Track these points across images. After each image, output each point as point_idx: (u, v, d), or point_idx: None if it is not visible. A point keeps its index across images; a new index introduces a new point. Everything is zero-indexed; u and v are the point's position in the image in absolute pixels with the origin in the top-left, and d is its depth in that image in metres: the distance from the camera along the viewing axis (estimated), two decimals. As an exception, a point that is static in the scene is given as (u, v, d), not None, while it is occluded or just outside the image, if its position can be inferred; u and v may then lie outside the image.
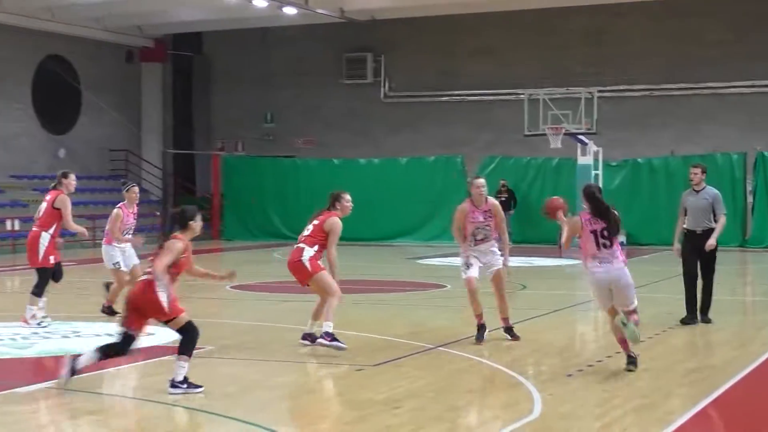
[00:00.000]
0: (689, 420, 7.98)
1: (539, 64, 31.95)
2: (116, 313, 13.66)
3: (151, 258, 8.87)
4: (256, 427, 7.77)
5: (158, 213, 33.07)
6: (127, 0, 30.26)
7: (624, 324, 9.73)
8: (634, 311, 9.96)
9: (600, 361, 10.49)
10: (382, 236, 31.07)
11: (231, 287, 16.83)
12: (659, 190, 29.37)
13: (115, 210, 13.74)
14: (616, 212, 9.96)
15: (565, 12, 31.36)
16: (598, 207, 9.88)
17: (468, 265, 11.40)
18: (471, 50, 33.04)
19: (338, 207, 11.05)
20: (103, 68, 33.87)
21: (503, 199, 29.68)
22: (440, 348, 11.23)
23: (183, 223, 8.98)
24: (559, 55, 31.93)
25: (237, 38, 35.20)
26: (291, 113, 35.30)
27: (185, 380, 8.70)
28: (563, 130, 27.81)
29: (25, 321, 12.62)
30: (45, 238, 12.78)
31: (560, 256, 24.67)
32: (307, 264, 10.73)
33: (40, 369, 10.53)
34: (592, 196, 9.95)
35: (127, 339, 8.87)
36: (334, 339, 10.59)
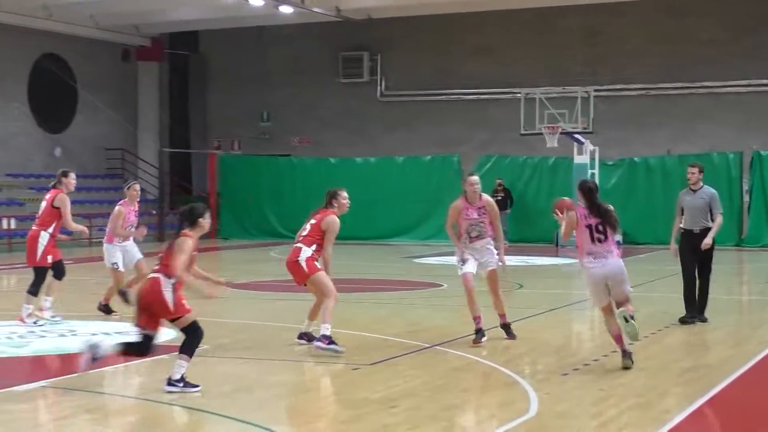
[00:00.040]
0: (685, 419, 7.99)
1: (535, 63, 31.96)
2: (112, 311, 13.67)
3: (161, 256, 8.85)
4: (253, 426, 7.77)
5: (154, 212, 33.06)
6: (124, -2, 30.32)
7: (627, 320, 9.84)
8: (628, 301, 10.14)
9: (596, 360, 10.50)
10: (379, 235, 31.09)
11: (227, 286, 16.81)
12: (655, 190, 29.41)
13: (117, 207, 13.76)
14: (610, 208, 10.13)
15: (562, 11, 31.37)
16: (593, 202, 10.04)
17: (463, 261, 11.33)
18: (467, 49, 33.05)
19: (335, 205, 10.98)
20: (99, 67, 33.84)
21: (499, 198, 29.70)
22: (436, 347, 11.23)
23: (192, 221, 8.94)
24: (555, 54, 31.95)
25: (233, 37, 35.18)
26: (287, 112, 35.30)
27: (182, 379, 8.70)
28: (560, 130, 27.83)
29: (21, 320, 12.61)
30: (44, 238, 12.78)
31: (557, 255, 24.68)
32: (304, 265, 10.69)
33: (36, 368, 10.52)
34: (588, 191, 10.12)
35: (147, 339, 8.83)
36: (332, 342, 10.52)
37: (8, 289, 19.53)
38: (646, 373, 9.80)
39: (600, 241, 9.97)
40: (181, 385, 8.68)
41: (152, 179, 34.98)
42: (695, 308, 13.05)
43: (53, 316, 12.94)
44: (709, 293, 13.23)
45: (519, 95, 29.19)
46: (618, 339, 10.07)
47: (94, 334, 12.06)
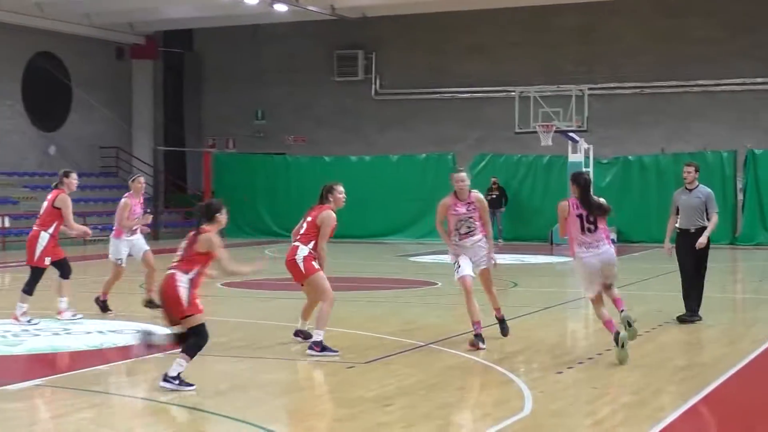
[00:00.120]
0: (679, 417, 8.00)
1: (530, 62, 31.98)
2: (109, 309, 13.62)
3: (182, 252, 8.84)
4: (248, 424, 7.77)
5: (149, 210, 33.00)
6: (118, -3, 30.30)
7: (629, 325, 10.16)
8: (620, 298, 10.49)
9: (591, 358, 10.51)
10: (374, 233, 31.09)
11: (222, 284, 16.82)
12: (650, 188, 29.45)
13: (123, 200, 13.81)
14: (603, 201, 10.41)
15: (556, 9, 31.39)
16: (586, 195, 10.32)
17: (459, 264, 11.08)
18: (462, 48, 33.06)
19: (331, 199, 10.89)
20: (93, 65, 33.80)
21: (494, 196, 29.74)
22: (431, 345, 11.23)
23: (210, 217, 9.00)
24: (550, 53, 31.97)
25: (228, 35, 35.16)
26: (282, 110, 35.30)
27: (178, 377, 8.70)
28: (554, 128, 27.86)
29: (16, 318, 12.60)
30: (44, 238, 12.75)
31: (551, 254, 24.71)
32: (301, 265, 10.61)
33: (30, 366, 10.51)
34: (582, 184, 10.40)
35: (197, 332, 8.85)
36: (324, 348, 10.45)
37: (2, 287, 19.50)
38: (641, 371, 9.82)
39: (590, 231, 10.26)
40: (177, 383, 8.68)
41: (147, 177, 34.80)
42: (695, 308, 13.02)
43: (74, 315, 12.93)
44: (704, 292, 13.23)
45: (513, 94, 29.21)
46: (609, 324, 10.30)
47: (88, 333, 12.09)
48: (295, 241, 10.83)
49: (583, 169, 27.98)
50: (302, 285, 10.89)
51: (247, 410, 8.22)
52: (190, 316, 8.75)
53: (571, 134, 28.26)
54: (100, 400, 8.66)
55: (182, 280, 8.75)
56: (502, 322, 11.53)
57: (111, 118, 34.28)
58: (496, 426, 7.63)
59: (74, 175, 13.16)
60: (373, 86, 34.26)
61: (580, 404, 8.53)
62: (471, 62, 32.84)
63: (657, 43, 31.04)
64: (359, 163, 32.37)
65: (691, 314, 12.95)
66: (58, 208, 12.78)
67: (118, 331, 12.22)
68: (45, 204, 13.01)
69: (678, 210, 12.98)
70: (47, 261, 12.81)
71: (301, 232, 10.82)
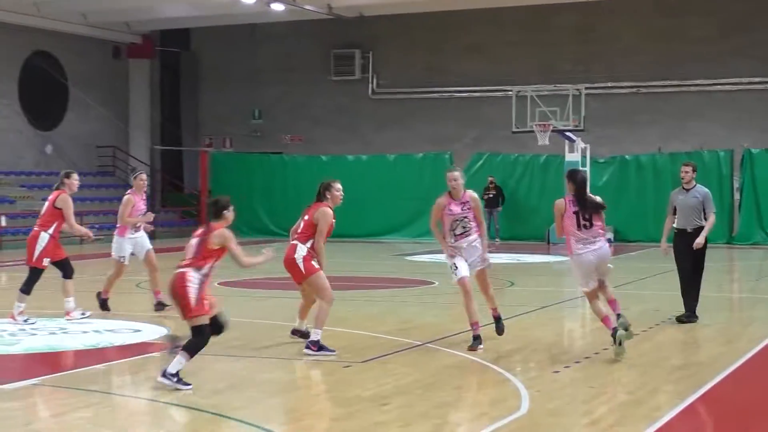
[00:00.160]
0: (676, 416, 8.01)
1: (527, 61, 31.99)
2: (108, 308, 13.57)
3: (195, 249, 8.93)
4: (245, 423, 7.77)
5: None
6: (115, -4, 30.28)
7: (625, 329, 10.36)
8: (615, 299, 10.71)
9: (587, 357, 10.52)
10: (371, 233, 31.10)
11: (218, 284, 16.81)
12: (646, 187, 29.48)
13: (126, 196, 13.80)
14: (598, 200, 10.59)
15: (554, 9, 31.41)
16: (582, 194, 10.48)
17: (456, 266, 10.90)
18: (459, 47, 33.06)
19: (328, 197, 10.78)
20: (90, 64, 33.78)
21: (491, 195, 29.76)
22: (428, 345, 11.23)
23: (217, 213, 9.13)
24: (547, 52, 31.98)
25: (225, 35, 35.15)
26: (279, 110, 35.29)
27: (177, 374, 8.71)
28: (551, 127, 27.86)
29: (13, 317, 12.59)
30: (43, 239, 12.73)
31: (548, 253, 24.72)
32: (301, 264, 10.55)
33: (27, 365, 10.50)
34: (579, 182, 10.56)
35: (216, 327, 8.99)
36: (321, 348, 10.43)
37: (-1, 286, 19.46)
38: (638, 370, 9.83)
39: (585, 227, 10.47)
40: (175, 380, 8.69)
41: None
42: (694, 307, 13.00)
43: (82, 314, 12.89)
44: (700, 291, 13.23)
45: (510, 93, 29.22)
46: (607, 321, 10.45)
47: (85, 332, 12.08)
48: (293, 240, 10.78)
49: (580, 168, 28.07)
50: (299, 284, 10.85)
51: (244, 409, 8.22)
52: (195, 316, 8.81)
53: (568, 133, 28.28)
54: (97, 400, 8.66)
55: (193, 279, 8.82)
56: (497, 320, 11.37)
57: (108, 118, 34.26)
58: (492, 425, 7.63)
59: (75, 176, 13.15)
60: (370, 85, 34.26)
61: (576, 403, 8.54)
62: (468, 61, 32.84)
63: (654, 43, 31.06)
64: (356, 162, 32.37)
65: (690, 315, 12.93)
66: (59, 209, 12.77)
67: (115, 331, 12.21)
68: (46, 204, 13.00)
69: (675, 210, 12.95)
70: (45, 262, 12.79)
71: (299, 230, 10.79)
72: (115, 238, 13.83)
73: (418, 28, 33.37)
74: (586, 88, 28.88)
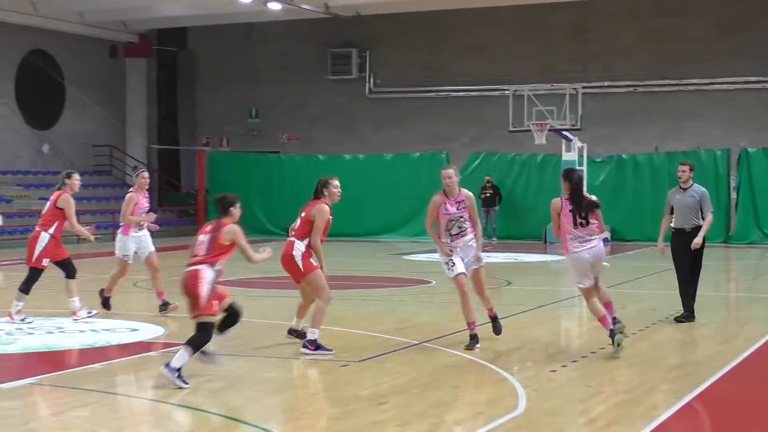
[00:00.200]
0: (673, 415, 8.02)
1: (524, 61, 32.00)
2: (110, 308, 13.52)
3: (207, 247, 9.07)
4: (242, 423, 7.77)
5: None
6: (112, -5, 30.26)
7: (621, 332, 10.50)
8: (611, 301, 10.84)
9: (584, 356, 10.52)
10: (368, 232, 31.10)
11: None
12: (643, 187, 29.50)
13: (129, 194, 13.71)
14: (593, 199, 10.69)
15: (551, 8, 31.42)
16: (578, 194, 10.58)
17: (451, 263, 10.83)
18: (456, 46, 33.07)
19: (326, 193, 10.69)
20: (86, 63, 33.76)
21: (488, 195, 29.78)
22: (425, 344, 11.24)
23: (225, 210, 9.30)
24: (544, 52, 31.99)
25: (222, 34, 35.14)
26: (276, 109, 35.28)
27: (179, 370, 8.76)
28: (548, 127, 27.88)
29: (10, 316, 12.58)
30: (44, 239, 12.70)
31: (545, 252, 24.74)
32: (299, 262, 10.48)
33: (24, 365, 10.50)
34: (575, 182, 10.66)
35: (232, 316, 9.25)
36: (318, 347, 10.42)
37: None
38: (634, 369, 9.84)
39: (582, 225, 10.59)
40: (176, 374, 8.73)
41: (140, 176, 34.88)
42: (692, 307, 12.99)
43: (89, 313, 12.85)
44: (697, 291, 13.23)
45: (507, 92, 29.23)
46: (605, 320, 10.54)
47: (82, 331, 12.07)
48: (289, 237, 10.72)
49: (577, 168, 28.08)
50: (298, 282, 10.82)
51: (241, 409, 8.22)
52: (203, 314, 8.97)
53: (565, 133, 28.29)
54: (94, 399, 8.66)
55: (207, 277, 8.97)
56: (494, 320, 11.31)
57: (105, 117, 34.25)
58: (490, 424, 7.63)
59: (76, 176, 13.14)
60: (367, 85, 34.26)
61: (573, 402, 8.54)
62: (465, 61, 32.85)
63: (651, 43, 31.08)
64: (353, 161, 32.36)
65: (688, 315, 12.92)
66: (61, 209, 12.75)
67: (112, 330, 12.21)
68: (47, 204, 13.00)
69: (672, 209, 12.93)
70: (45, 262, 12.74)
71: (295, 227, 10.76)
72: (119, 237, 13.73)
73: (415, 28, 33.37)
74: (583, 88, 28.90)
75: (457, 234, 10.88)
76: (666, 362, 10.31)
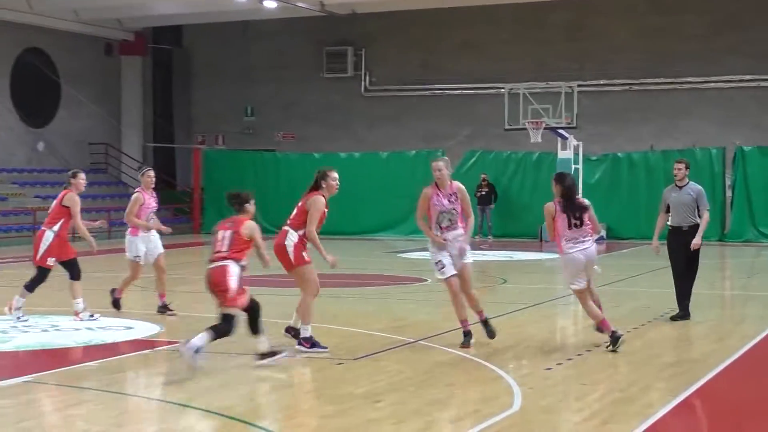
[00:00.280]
0: (668, 413, 8.03)
1: (520, 59, 32.02)
2: (119, 308, 13.45)
3: (229, 242, 9.38)
4: (236, 421, 7.76)
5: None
6: (107, -8, 30.23)
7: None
8: (600, 305, 10.92)
9: (580, 354, 10.53)
10: (363, 230, 31.09)
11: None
12: (639, 185, 29.52)
13: (135, 194, 13.56)
14: (585, 203, 10.72)
15: (547, 7, 31.44)
16: (571, 200, 10.63)
17: (441, 264, 10.76)
18: (452, 44, 33.08)
19: (324, 185, 10.63)
20: (82, 61, 33.72)
21: (484, 193, 29.78)
22: (421, 342, 11.24)
23: (240, 207, 9.66)
24: (539, 50, 32.01)
25: (217, 32, 35.12)
26: (271, 107, 35.27)
27: (200, 349, 9.05)
28: (543, 125, 27.88)
29: (9, 308, 12.54)
30: (48, 237, 12.65)
31: (540, 250, 24.74)
32: (291, 252, 10.40)
33: (19, 363, 10.48)
34: (569, 185, 10.72)
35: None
36: (314, 345, 10.40)
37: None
38: (630, 367, 9.85)
39: (576, 226, 10.64)
40: (193, 353, 9.01)
41: (136, 174, 34.75)
42: (687, 306, 12.99)
43: (91, 316, 12.74)
44: (693, 289, 13.24)
45: (503, 90, 29.23)
46: (605, 324, 10.59)
47: (77, 330, 12.06)
48: (284, 226, 10.62)
49: (573, 166, 28.06)
50: (288, 272, 10.66)
51: (236, 407, 8.21)
52: (232, 306, 9.29)
53: (560, 131, 28.30)
54: (89, 397, 8.65)
55: (234, 272, 9.29)
56: (485, 324, 11.05)
57: (100, 115, 34.21)
58: (485, 422, 7.63)
59: (82, 175, 13.11)
60: (363, 83, 34.25)
61: (569, 400, 8.55)
62: (461, 59, 32.86)
63: (646, 41, 31.11)
64: (348, 159, 32.33)
65: (683, 313, 12.92)
66: (67, 207, 12.72)
67: (107, 328, 12.20)
68: (53, 203, 12.98)
69: (668, 208, 12.92)
70: (50, 261, 12.65)
71: (291, 217, 10.70)
72: (128, 238, 13.51)
73: (410, 26, 33.37)
74: (579, 86, 28.92)
75: (447, 227, 10.82)
76: (661, 360, 10.32)
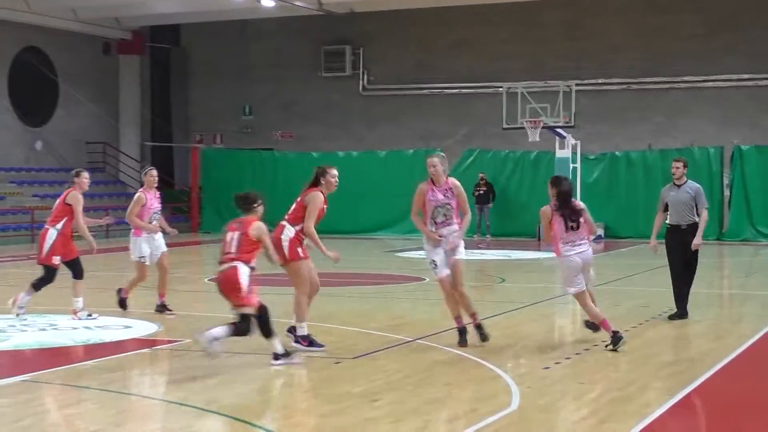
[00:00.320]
0: (666, 412, 8.03)
1: (518, 58, 32.00)
2: (125, 308, 13.42)
3: (237, 244, 9.44)
4: (234, 420, 7.76)
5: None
6: (104, -9, 30.20)
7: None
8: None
9: (578, 353, 10.54)
10: (361, 229, 31.09)
11: (209, 280, 16.78)
12: (637, 184, 29.52)
13: (138, 193, 13.51)
14: (580, 207, 10.76)
15: (544, 5, 31.43)
16: (567, 204, 10.67)
17: (434, 264, 10.75)
18: (450, 43, 33.06)
19: (323, 182, 10.63)
20: (80, 60, 33.69)
21: (482, 192, 29.79)
22: (419, 341, 11.24)
23: (248, 207, 9.74)
24: (537, 49, 31.99)
25: (215, 31, 35.09)
26: (269, 106, 35.25)
27: (216, 340, 9.18)
28: (541, 124, 27.87)
29: (14, 301, 12.54)
30: (52, 235, 12.65)
31: (539, 249, 24.74)
32: (286, 247, 10.36)
33: (17, 362, 10.48)
34: (566, 189, 10.75)
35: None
36: (311, 343, 10.40)
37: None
38: (627, 366, 9.86)
39: (573, 228, 10.66)
40: (210, 341, 9.13)
41: (134, 173, 34.85)
42: (685, 305, 12.98)
43: (89, 315, 12.71)
44: (691, 288, 13.24)
45: (501, 89, 29.22)
46: (605, 324, 10.60)
47: (75, 329, 12.05)
48: (282, 221, 10.60)
49: (571, 165, 28.05)
50: (283, 266, 10.59)
51: (234, 405, 8.21)
52: (245, 305, 9.38)
53: (558, 130, 28.29)
54: (87, 396, 8.65)
55: (245, 273, 9.38)
56: (479, 328, 10.92)
57: (98, 114, 34.19)
58: (483, 421, 7.63)
59: (86, 174, 13.11)
60: (361, 82, 34.24)
61: (567, 399, 8.56)
62: (459, 58, 32.85)
63: (644, 40, 31.11)
64: (347, 158, 32.31)
65: (681, 312, 12.91)
66: (70, 205, 12.74)
67: (105, 327, 12.20)
68: (57, 201, 13.00)
69: (666, 206, 12.91)
70: (56, 260, 12.63)
71: (289, 212, 10.70)
72: (132, 239, 13.46)
73: (408, 25, 33.35)
74: (577, 85, 28.89)
75: (442, 222, 10.80)
76: (659, 359, 10.32)
